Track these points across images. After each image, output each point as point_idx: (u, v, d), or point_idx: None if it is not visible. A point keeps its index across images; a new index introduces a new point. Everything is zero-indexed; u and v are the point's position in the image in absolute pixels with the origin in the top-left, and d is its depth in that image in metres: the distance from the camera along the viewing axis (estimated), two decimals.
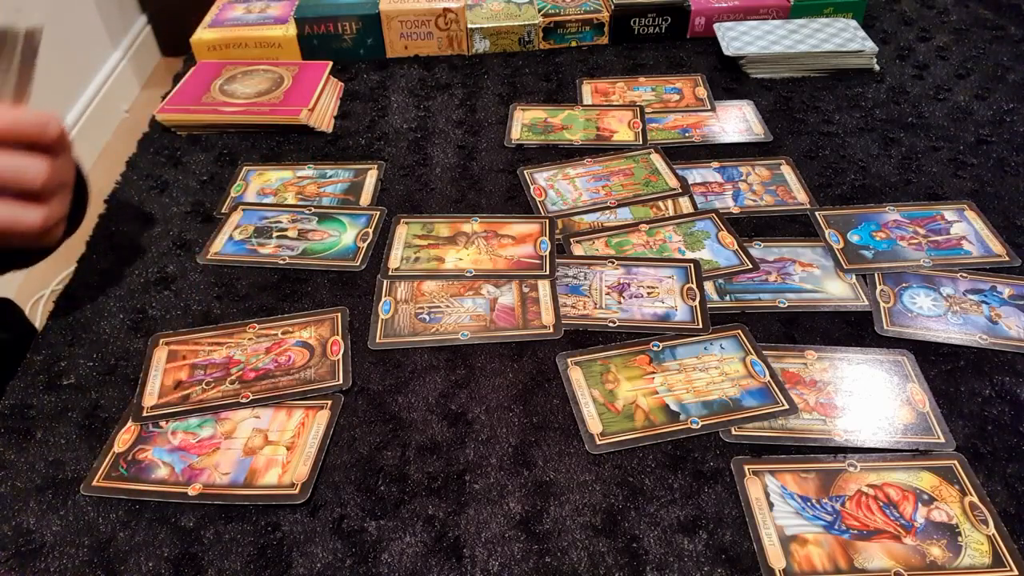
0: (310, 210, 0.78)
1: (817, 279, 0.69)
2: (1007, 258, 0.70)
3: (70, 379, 0.62)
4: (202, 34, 1.01)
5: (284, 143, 0.88)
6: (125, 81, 2.42)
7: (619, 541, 0.50)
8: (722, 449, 0.56)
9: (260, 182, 0.82)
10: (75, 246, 0.75)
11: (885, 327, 0.64)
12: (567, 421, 0.58)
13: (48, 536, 0.52)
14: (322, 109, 0.91)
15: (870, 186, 0.79)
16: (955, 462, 0.54)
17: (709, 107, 0.92)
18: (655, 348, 0.63)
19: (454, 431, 0.57)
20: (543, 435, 0.57)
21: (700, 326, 0.64)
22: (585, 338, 0.64)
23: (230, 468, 0.55)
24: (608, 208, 0.77)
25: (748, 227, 0.75)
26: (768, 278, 0.69)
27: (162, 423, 0.58)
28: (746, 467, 0.54)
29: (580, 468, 0.55)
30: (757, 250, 0.72)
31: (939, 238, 0.72)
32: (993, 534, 0.50)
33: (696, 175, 0.81)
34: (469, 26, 1.01)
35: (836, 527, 0.51)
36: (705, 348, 0.63)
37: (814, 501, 0.52)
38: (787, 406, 0.58)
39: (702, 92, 0.94)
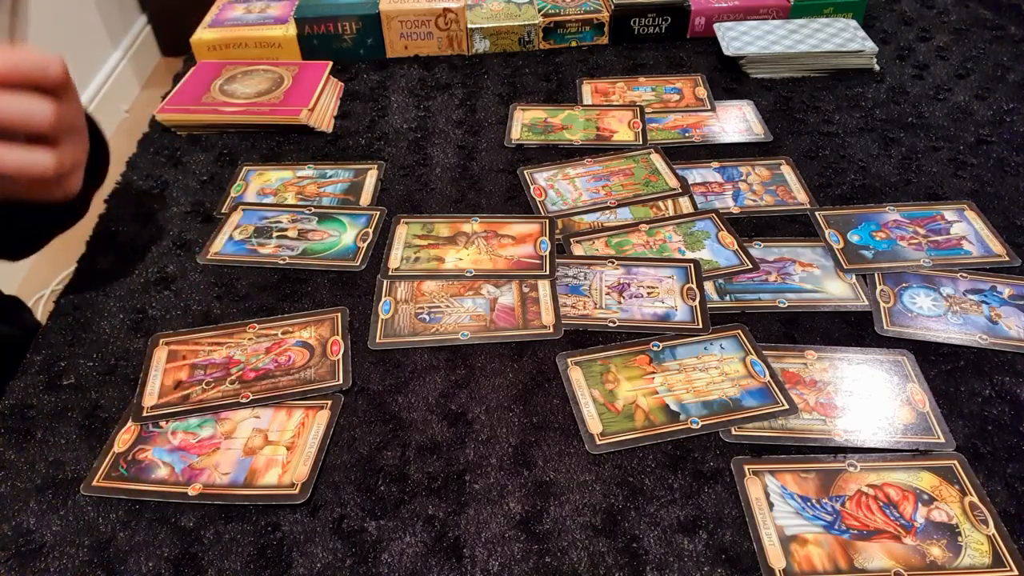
0: (310, 210, 0.78)
1: (817, 279, 0.69)
2: (1007, 258, 0.70)
3: (70, 379, 0.62)
4: (202, 34, 1.01)
5: (284, 143, 0.88)
6: (125, 81, 2.42)
7: (619, 541, 0.50)
8: (722, 449, 0.56)
9: (260, 182, 0.82)
10: (75, 246, 0.75)
11: (885, 327, 0.64)
12: (567, 421, 0.58)
13: (48, 536, 0.52)
14: (322, 109, 0.91)
15: (870, 186, 0.79)
16: (955, 462, 0.54)
17: (709, 107, 0.92)
18: (655, 348, 0.63)
19: (454, 431, 0.57)
20: (543, 435, 0.57)
21: (700, 326, 0.64)
22: (585, 338, 0.64)
23: (230, 468, 0.55)
24: (608, 208, 0.77)
25: (748, 227, 0.75)
26: (768, 278, 0.69)
27: (162, 423, 0.58)
28: (746, 467, 0.54)
29: (580, 468, 0.55)
30: (757, 250, 0.72)
31: (939, 238, 0.72)
32: (993, 534, 0.50)
33: (696, 175, 0.81)
34: (469, 26, 1.01)
35: (836, 527, 0.51)
36: (705, 348, 0.63)
37: (814, 501, 0.52)
38: (787, 406, 0.58)
39: (702, 92, 0.94)
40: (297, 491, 0.53)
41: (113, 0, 2.38)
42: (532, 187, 0.80)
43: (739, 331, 0.64)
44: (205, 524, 0.52)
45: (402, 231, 0.75)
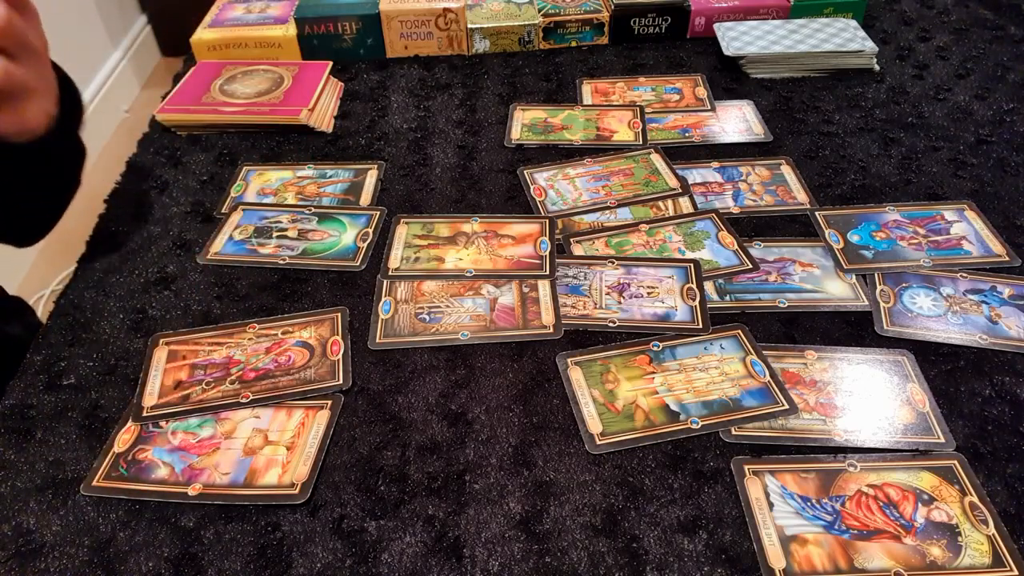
0: (310, 210, 0.78)
1: (817, 279, 0.69)
2: (1007, 258, 0.70)
3: (70, 379, 0.62)
4: (202, 34, 1.01)
5: (284, 143, 0.88)
6: (125, 81, 2.42)
7: (619, 541, 0.50)
8: (722, 449, 0.56)
9: (260, 182, 0.82)
10: (75, 246, 0.75)
11: (885, 327, 0.64)
12: (567, 421, 0.58)
13: (48, 536, 0.52)
14: (322, 109, 0.91)
15: (870, 186, 0.79)
16: (955, 462, 0.54)
17: (709, 107, 0.92)
18: (655, 348, 0.63)
19: (454, 431, 0.57)
20: (543, 435, 0.57)
21: (700, 326, 0.64)
22: (585, 338, 0.64)
23: (230, 468, 0.55)
24: (608, 208, 0.77)
25: (748, 227, 0.75)
26: (768, 278, 0.69)
27: (162, 423, 0.58)
28: (746, 467, 0.54)
29: (580, 468, 0.55)
30: (757, 250, 0.72)
31: (939, 238, 0.72)
32: (993, 534, 0.50)
33: (696, 175, 0.81)
34: (469, 26, 1.01)
35: (836, 527, 0.51)
36: (705, 348, 0.63)
37: (814, 501, 0.52)
38: (787, 406, 0.58)
39: (702, 92, 0.94)
40: (297, 491, 0.53)
41: (113, 0, 2.38)
42: (532, 187, 0.80)
43: (739, 331, 0.64)
44: (205, 524, 0.52)
45: (402, 231, 0.75)
